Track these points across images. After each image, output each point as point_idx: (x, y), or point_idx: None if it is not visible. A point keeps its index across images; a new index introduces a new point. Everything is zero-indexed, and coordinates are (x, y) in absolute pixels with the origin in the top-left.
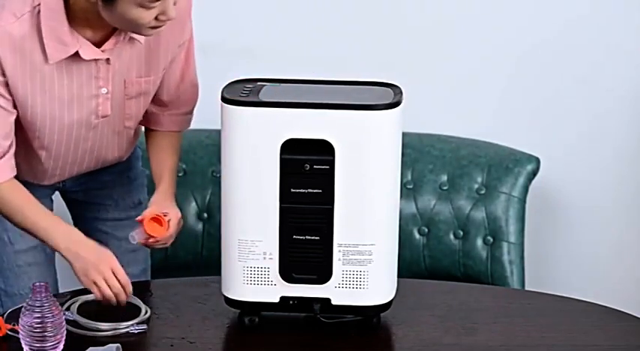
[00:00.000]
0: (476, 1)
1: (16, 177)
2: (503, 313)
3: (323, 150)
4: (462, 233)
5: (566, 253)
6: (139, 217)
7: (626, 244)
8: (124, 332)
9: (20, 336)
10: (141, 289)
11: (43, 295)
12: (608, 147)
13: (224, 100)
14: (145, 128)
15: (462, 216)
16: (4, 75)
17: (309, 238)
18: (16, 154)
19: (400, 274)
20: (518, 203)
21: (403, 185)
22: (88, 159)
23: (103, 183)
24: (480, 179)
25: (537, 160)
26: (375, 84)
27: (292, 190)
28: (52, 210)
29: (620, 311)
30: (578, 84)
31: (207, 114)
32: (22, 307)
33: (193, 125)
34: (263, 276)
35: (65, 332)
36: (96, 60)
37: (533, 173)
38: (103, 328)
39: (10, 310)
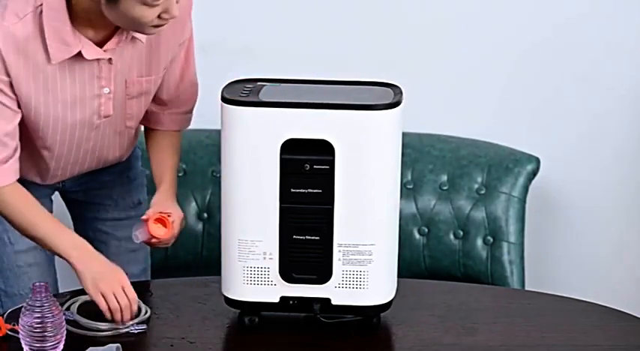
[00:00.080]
0: (475, 0)
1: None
2: (503, 313)
3: (323, 150)
4: (462, 233)
5: (566, 253)
6: (143, 217)
7: (626, 244)
8: (124, 332)
9: (20, 336)
10: (141, 289)
11: (43, 295)
12: (608, 147)
13: (224, 100)
14: (145, 128)
15: (462, 216)
16: (8, 75)
17: (309, 238)
18: (20, 154)
19: (400, 274)
20: (518, 203)
21: (403, 185)
22: (89, 159)
23: (102, 183)
24: (480, 179)
25: (537, 160)
26: (375, 84)
27: (292, 190)
28: (51, 211)
29: (620, 311)
30: (578, 83)
31: (207, 114)
32: (22, 307)
33: (193, 125)
34: (263, 276)
35: (65, 332)
36: (98, 60)
37: (533, 173)
38: (103, 328)
39: (10, 310)
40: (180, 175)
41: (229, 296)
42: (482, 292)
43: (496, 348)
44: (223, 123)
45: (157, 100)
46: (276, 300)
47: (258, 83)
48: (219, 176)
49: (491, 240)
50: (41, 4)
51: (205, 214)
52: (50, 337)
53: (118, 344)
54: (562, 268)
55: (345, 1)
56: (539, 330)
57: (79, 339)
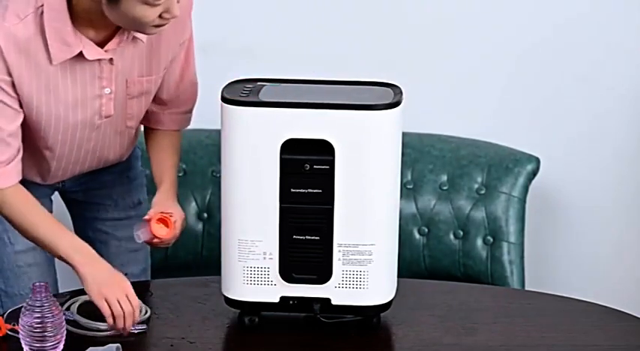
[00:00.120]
0: (475, 0)
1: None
2: (503, 313)
3: (323, 150)
4: (462, 233)
5: (566, 253)
6: (145, 217)
7: (626, 244)
8: None
9: (20, 336)
10: (141, 289)
11: (43, 295)
12: (608, 147)
13: (224, 100)
14: (145, 128)
15: (462, 216)
16: (10, 75)
17: (309, 238)
18: (22, 153)
19: (400, 274)
20: (518, 203)
21: (403, 185)
22: (90, 159)
23: (102, 183)
24: (480, 179)
25: (537, 160)
26: (375, 84)
27: (292, 190)
28: (51, 211)
29: (620, 311)
30: (578, 83)
31: (207, 114)
32: (22, 307)
33: (193, 125)
34: (263, 276)
35: (65, 332)
36: (99, 60)
37: (533, 173)
38: (103, 328)
39: (10, 310)
40: (180, 175)
41: (229, 296)
42: (482, 292)
43: (496, 348)
44: (223, 123)
45: (157, 99)
46: (276, 300)
47: (258, 83)
48: (219, 176)
49: (491, 240)
50: (42, 5)
51: (205, 214)
52: (50, 337)
53: (118, 344)
54: (562, 268)
55: (345, 1)
56: (539, 330)
57: (79, 339)
